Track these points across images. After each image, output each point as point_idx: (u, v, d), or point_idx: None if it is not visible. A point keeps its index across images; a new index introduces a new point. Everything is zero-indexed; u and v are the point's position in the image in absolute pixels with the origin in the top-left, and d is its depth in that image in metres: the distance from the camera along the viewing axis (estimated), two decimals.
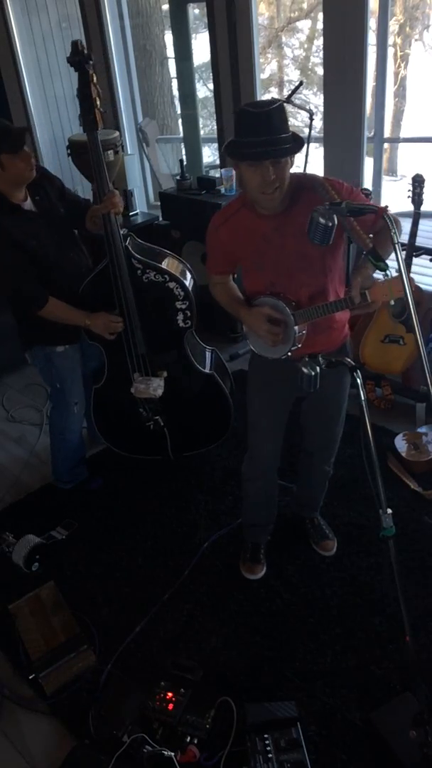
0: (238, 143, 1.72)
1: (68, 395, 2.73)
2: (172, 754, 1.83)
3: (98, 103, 2.24)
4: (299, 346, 1.97)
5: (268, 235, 1.88)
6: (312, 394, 2.18)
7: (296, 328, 1.92)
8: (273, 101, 1.72)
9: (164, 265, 2.58)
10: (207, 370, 2.82)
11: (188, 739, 1.89)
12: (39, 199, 2.41)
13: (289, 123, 1.72)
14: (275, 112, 1.68)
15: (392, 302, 1.68)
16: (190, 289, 2.59)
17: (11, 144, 2.20)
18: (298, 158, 1.85)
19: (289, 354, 1.99)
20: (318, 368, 1.73)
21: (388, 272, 1.67)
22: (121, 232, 2.47)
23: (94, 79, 2.23)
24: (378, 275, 1.77)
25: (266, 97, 1.85)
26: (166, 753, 1.83)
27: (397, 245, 1.61)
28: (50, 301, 2.42)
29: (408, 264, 3.01)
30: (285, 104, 1.71)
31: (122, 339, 2.61)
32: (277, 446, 2.31)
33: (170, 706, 1.96)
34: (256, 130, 1.67)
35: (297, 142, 1.74)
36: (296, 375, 2.07)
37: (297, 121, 5.24)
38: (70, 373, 2.69)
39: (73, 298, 2.50)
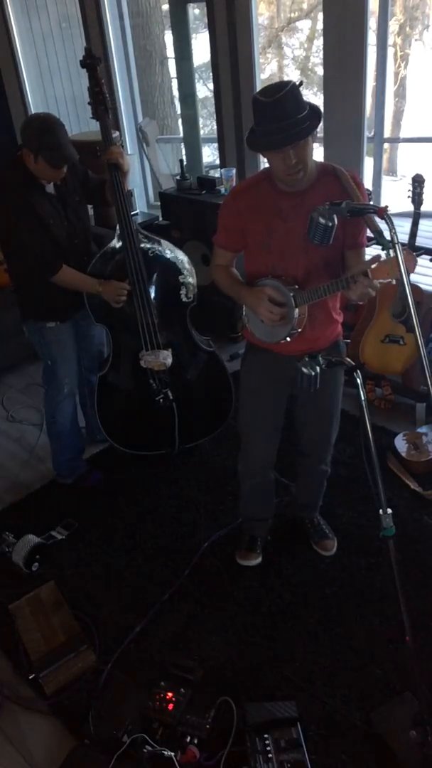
0: (257, 133, 1.74)
1: (59, 373, 2.78)
2: (172, 754, 1.83)
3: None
4: (299, 330, 1.97)
5: (284, 212, 1.90)
6: (299, 400, 2.20)
7: (296, 310, 1.92)
8: (284, 84, 1.69)
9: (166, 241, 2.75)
10: (208, 348, 2.93)
11: (188, 739, 1.88)
12: (60, 184, 2.53)
13: None
14: (286, 96, 1.67)
15: (393, 281, 1.69)
16: (190, 264, 2.78)
17: (55, 160, 2.35)
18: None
19: (288, 339, 1.99)
20: (318, 368, 1.73)
21: (390, 251, 1.68)
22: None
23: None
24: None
25: None
26: (166, 753, 1.83)
27: (397, 245, 1.62)
28: (63, 267, 2.52)
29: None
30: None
31: (128, 315, 2.68)
32: (272, 444, 2.31)
33: (170, 706, 1.96)
34: (270, 119, 1.68)
35: (314, 118, 1.72)
36: (289, 370, 2.09)
37: None
38: (61, 350, 2.75)
39: None
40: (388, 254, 1.68)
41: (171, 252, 2.75)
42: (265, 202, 1.91)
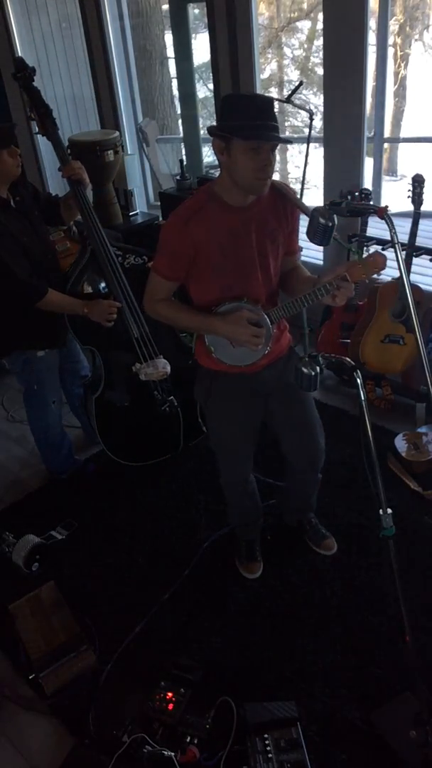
0: (237, 126, 1.68)
1: (46, 395, 2.75)
2: (172, 754, 1.83)
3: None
4: (269, 348, 1.96)
5: (235, 230, 1.85)
6: (277, 415, 2.19)
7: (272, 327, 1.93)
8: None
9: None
10: (191, 344, 2.89)
11: (188, 739, 1.89)
12: (19, 200, 2.42)
13: (289, 123, 1.74)
14: (272, 102, 1.71)
15: (367, 280, 1.73)
16: None
17: (1, 140, 2.22)
18: (298, 159, 1.88)
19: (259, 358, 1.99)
20: (318, 368, 1.72)
21: (353, 253, 1.72)
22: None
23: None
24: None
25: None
26: (166, 753, 1.83)
27: (397, 245, 1.62)
28: (50, 290, 2.41)
29: (408, 264, 3.01)
30: (285, 104, 1.75)
31: (117, 332, 2.63)
32: (251, 455, 2.31)
33: (170, 706, 1.96)
34: (258, 115, 1.66)
35: None
36: (259, 385, 2.09)
37: (297, 121, 5.24)
38: (48, 375, 2.71)
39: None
40: (360, 256, 1.71)
41: (143, 259, 2.66)
42: (216, 222, 1.83)
